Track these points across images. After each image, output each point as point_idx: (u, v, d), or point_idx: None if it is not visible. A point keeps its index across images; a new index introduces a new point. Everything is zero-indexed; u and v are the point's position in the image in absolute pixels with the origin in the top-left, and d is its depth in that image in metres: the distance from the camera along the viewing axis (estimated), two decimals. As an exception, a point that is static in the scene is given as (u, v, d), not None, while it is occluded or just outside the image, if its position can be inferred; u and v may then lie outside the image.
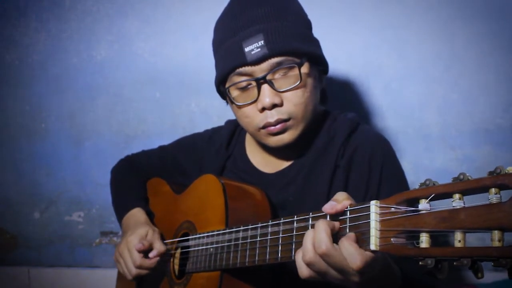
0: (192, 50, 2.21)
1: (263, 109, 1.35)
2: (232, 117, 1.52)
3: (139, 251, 1.47)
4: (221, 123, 1.76)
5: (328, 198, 1.34)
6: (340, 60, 2.05)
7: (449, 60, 1.99)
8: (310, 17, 1.48)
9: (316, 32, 1.48)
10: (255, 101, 1.35)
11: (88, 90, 2.33)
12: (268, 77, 1.33)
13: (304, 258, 0.94)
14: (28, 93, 2.37)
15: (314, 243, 0.93)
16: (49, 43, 2.33)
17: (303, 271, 0.97)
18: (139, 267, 1.47)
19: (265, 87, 1.33)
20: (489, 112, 1.98)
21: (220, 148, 1.65)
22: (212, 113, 2.22)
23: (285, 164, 1.51)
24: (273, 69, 1.32)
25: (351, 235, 0.91)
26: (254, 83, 1.34)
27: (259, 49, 1.31)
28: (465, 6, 1.95)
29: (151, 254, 1.48)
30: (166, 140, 1.86)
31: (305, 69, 1.35)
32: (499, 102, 1.97)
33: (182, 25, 2.22)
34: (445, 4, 1.97)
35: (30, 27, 2.33)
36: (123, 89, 2.30)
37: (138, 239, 1.49)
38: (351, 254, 0.88)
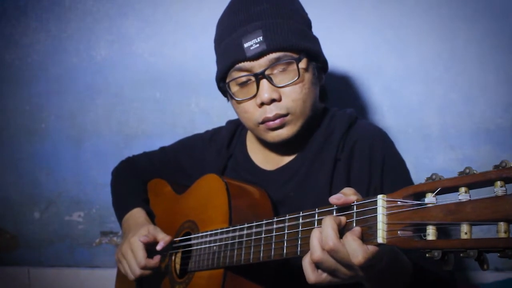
0: (192, 50, 2.21)
1: (262, 104, 1.36)
2: (233, 116, 1.53)
3: (144, 243, 1.47)
4: (221, 123, 1.77)
5: (329, 192, 1.36)
6: (340, 59, 2.05)
7: (449, 60, 2.00)
8: (310, 16, 1.49)
9: (317, 32, 1.49)
10: (254, 96, 1.37)
11: (88, 90, 2.32)
12: (267, 72, 1.34)
13: (312, 257, 0.95)
14: (28, 93, 2.37)
15: (321, 240, 0.93)
16: (49, 43, 2.33)
17: (310, 275, 0.98)
18: (143, 267, 1.47)
19: (264, 82, 1.35)
20: (489, 112, 1.99)
21: (221, 148, 1.65)
22: (212, 113, 2.23)
23: (285, 160, 1.52)
24: (272, 64, 1.34)
25: (357, 229, 0.92)
26: (253, 78, 1.36)
27: (257, 45, 1.33)
28: (465, 6, 1.96)
29: (158, 246, 1.48)
30: (166, 140, 1.87)
31: (303, 64, 1.36)
32: (499, 102, 1.98)
33: (182, 25, 2.22)
34: (445, 4, 1.98)
35: (30, 27, 2.33)
36: (123, 89, 2.30)
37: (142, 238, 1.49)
38: (354, 250, 0.89)
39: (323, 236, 0.93)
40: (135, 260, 1.48)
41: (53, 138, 2.39)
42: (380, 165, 1.39)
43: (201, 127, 1.84)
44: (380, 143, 1.42)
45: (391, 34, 2.03)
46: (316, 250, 0.94)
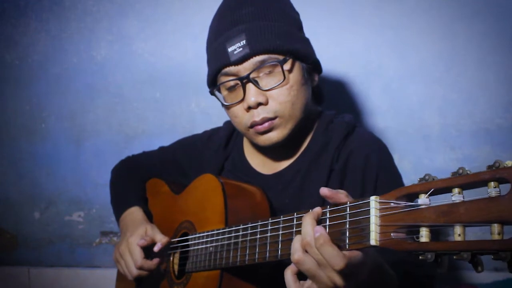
0: (192, 50, 2.21)
1: (249, 108, 1.35)
2: (232, 117, 1.53)
3: (142, 247, 1.47)
4: (221, 123, 1.77)
5: (323, 203, 1.34)
6: (340, 60, 2.05)
7: (449, 60, 1.99)
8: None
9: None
10: (242, 100, 1.36)
11: (88, 90, 2.33)
12: (252, 76, 1.33)
13: (293, 258, 0.97)
14: (28, 93, 2.38)
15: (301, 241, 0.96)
16: (49, 43, 2.33)
17: (291, 286, 1.00)
18: (140, 268, 1.46)
19: (250, 86, 1.34)
20: (489, 112, 1.98)
21: (218, 149, 1.65)
22: (212, 113, 2.22)
23: (282, 165, 1.51)
24: (257, 67, 1.33)
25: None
26: (239, 83, 1.35)
27: (241, 49, 1.32)
28: (466, 6, 1.96)
29: (156, 248, 1.48)
30: (166, 140, 1.87)
31: (287, 66, 1.34)
32: (499, 102, 1.97)
33: (182, 25, 2.22)
34: (446, 4, 1.97)
35: (30, 27, 2.33)
36: (123, 89, 2.30)
37: (139, 239, 1.49)
38: (331, 257, 0.89)
39: (302, 233, 0.94)
40: (132, 260, 1.48)
41: (53, 138, 2.39)
42: (374, 178, 1.36)
43: (201, 127, 1.84)
44: (376, 155, 1.38)
45: (391, 34, 2.02)
46: (296, 251, 0.95)
